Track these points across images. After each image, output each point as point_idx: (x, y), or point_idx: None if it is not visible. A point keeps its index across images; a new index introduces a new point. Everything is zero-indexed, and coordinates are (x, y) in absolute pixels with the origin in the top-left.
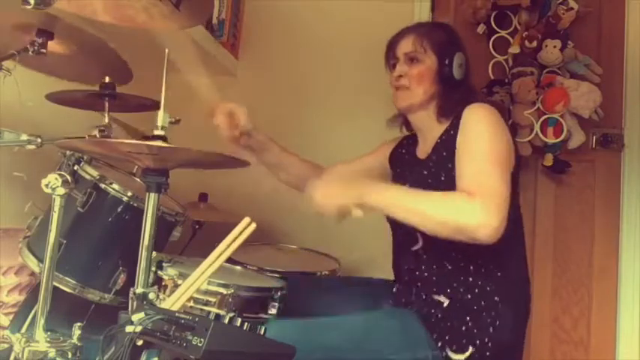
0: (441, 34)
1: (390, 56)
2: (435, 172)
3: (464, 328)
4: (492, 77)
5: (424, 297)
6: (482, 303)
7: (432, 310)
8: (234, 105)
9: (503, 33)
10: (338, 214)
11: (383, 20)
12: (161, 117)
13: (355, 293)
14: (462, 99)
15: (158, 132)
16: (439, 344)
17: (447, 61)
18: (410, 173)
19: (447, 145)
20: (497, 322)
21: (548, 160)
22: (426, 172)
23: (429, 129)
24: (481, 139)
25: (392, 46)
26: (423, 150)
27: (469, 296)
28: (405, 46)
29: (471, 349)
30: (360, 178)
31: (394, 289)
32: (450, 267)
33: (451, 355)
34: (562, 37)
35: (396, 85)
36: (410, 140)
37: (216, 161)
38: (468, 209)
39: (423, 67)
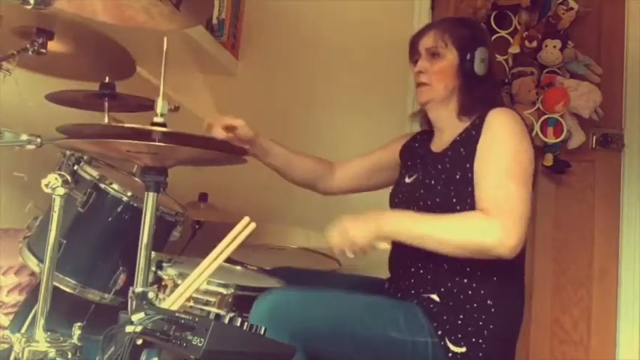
0: (463, 28)
1: (413, 52)
2: (450, 168)
3: (459, 322)
4: None
5: (416, 294)
6: (475, 305)
7: (429, 305)
8: (230, 117)
9: (503, 33)
10: (361, 252)
11: (382, 19)
12: (160, 104)
13: (352, 287)
14: (484, 96)
15: (158, 119)
16: (439, 332)
17: (468, 56)
18: (422, 165)
19: (466, 144)
20: (491, 326)
21: (548, 160)
22: (440, 167)
23: (448, 125)
24: (504, 151)
25: (414, 41)
26: (439, 144)
27: (461, 297)
28: (427, 41)
29: (465, 347)
30: (372, 211)
31: (386, 285)
32: (446, 266)
33: (449, 345)
34: (562, 37)
35: (417, 82)
36: (424, 136)
37: (215, 158)
38: (486, 230)
39: (444, 63)
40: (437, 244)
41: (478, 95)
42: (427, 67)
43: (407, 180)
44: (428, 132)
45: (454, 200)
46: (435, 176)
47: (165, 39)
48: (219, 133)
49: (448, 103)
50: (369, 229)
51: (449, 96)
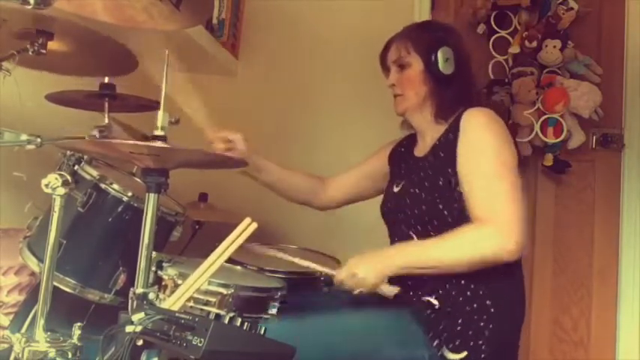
0: (424, 33)
1: (384, 68)
2: (432, 174)
3: (458, 328)
4: (492, 77)
5: (415, 296)
6: (475, 306)
7: (427, 311)
8: (230, 132)
9: (503, 33)
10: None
11: (382, 19)
12: (161, 117)
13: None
14: (458, 95)
15: (158, 132)
16: (435, 342)
17: (432, 59)
18: (407, 172)
19: (445, 148)
20: (491, 326)
21: (548, 160)
22: (422, 174)
23: (428, 129)
24: (487, 154)
25: (382, 58)
26: (422, 148)
27: (460, 299)
28: (392, 54)
29: (465, 352)
30: (377, 251)
31: None
32: None
33: (447, 354)
34: (562, 37)
35: (393, 94)
36: (410, 140)
37: (216, 161)
38: (483, 241)
39: (411, 71)
40: (445, 268)
41: (451, 94)
42: (397, 78)
43: (395, 189)
44: (414, 135)
45: (440, 206)
46: (419, 184)
47: (166, 52)
48: (218, 148)
49: (424, 108)
50: (376, 272)
51: (423, 101)
